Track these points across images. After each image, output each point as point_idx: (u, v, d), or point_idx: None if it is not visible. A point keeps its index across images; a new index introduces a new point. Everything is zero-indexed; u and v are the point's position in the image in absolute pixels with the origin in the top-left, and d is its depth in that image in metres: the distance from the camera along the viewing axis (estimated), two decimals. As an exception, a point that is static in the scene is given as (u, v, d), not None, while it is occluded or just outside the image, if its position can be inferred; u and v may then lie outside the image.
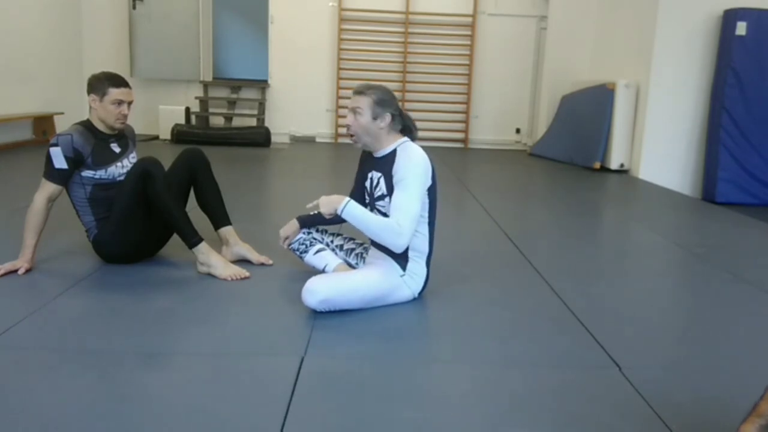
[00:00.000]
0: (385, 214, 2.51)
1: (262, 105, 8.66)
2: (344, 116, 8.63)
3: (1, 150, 6.59)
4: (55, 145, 2.71)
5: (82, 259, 2.95)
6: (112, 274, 2.80)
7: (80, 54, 8.39)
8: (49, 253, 3.00)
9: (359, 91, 2.49)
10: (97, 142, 2.81)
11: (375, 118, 2.47)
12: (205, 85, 8.71)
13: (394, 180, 2.44)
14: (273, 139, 8.32)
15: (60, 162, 2.71)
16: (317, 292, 2.34)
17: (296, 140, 8.89)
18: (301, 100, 8.82)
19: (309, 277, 2.43)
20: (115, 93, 2.77)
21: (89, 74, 2.86)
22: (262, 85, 8.80)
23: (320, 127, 8.95)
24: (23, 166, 5.74)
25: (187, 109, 8.33)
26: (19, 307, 2.35)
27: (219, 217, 3.04)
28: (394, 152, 2.51)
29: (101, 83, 2.78)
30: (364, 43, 8.71)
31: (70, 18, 8.19)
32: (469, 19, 8.72)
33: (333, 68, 8.77)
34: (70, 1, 8.18)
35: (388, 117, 2.48)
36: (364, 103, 2.46)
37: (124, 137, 2.96)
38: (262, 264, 2.98)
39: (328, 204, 2.42)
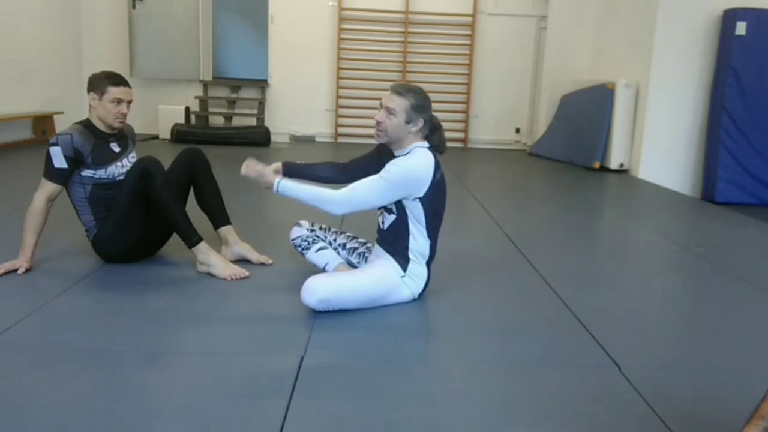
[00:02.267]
0: (389, 210, 2.52)
1: (261, 104, 8.66)
2: (344, 116, 8.71)
3: (1, 149, 6.58)
4: (55, 144, 2.70)
5: (82, 259, 2.95)
6: (112, 274, 2.80)
7: (80, 53, 8.39)
8: (49, 253, 3.00)
9: (398, 92, 2.43)
10: (97, 141, 2.80)
11: (408, 122, 2.43)
12: (205, 85, 8.70)
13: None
14: (273, 138, 8.32)
15: (60, 161, 2.70)
16: (316, 291, 2.34)
17: (296, 140, 8.89)
18: (300, 99, 8.81)
19: (309, 276, 2.42)
20: (114, 92, 2.77)
21: (89, 74, 2.86)
22: (261, 84, 8.80)
23: (320, 127, 8.95)
24: (23, 166, 5.73)
25: (187, 109, 8.32)
26: (19, 307, 2.35)
27: (219, 217, 3.04)
28: (407, 154, 2.50)
29: (101, 82, 2.78)
30: (363, 42, 8.70)
31: (70, 17, 8.19)
32: (469, 19, 8.71)
33: (333, 68, 8.77)
34: (70, 1, 8.17)
35: (420, 122, 2.45)
36: (401, 105, 2.41)
37: (124, 137, 2.96)
38: (262, 263, 2.98)
39: (259, 174, 2.46)
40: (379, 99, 2.56)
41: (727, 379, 2.05)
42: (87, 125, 2.82)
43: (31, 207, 2.73)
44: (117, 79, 2.79)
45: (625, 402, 1.86)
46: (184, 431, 1.61)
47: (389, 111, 2.42)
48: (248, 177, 2.51)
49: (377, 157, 2.68)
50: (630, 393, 1.91)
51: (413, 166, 2.42)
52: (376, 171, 2.49)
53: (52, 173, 2.73)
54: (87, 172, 2.78)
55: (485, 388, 1.93)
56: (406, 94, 2.42)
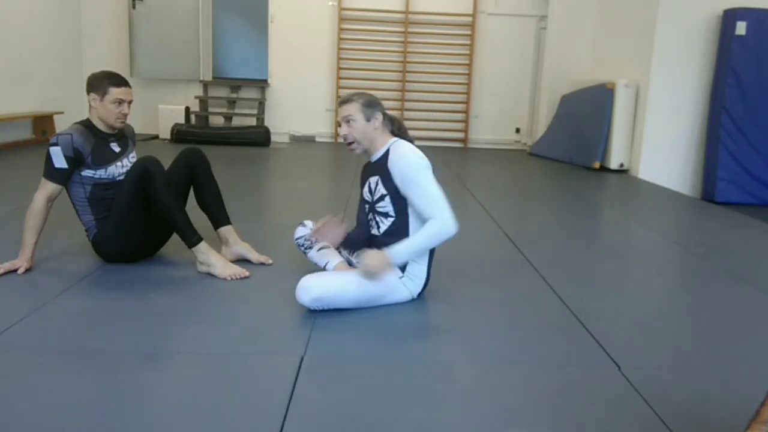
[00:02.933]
0: (385, 214, 2.53)
1: (261, 104, 8.65)
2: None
3: (1, 149, 6.58)
4: (55, 144, 2.70)
5: (82, 259, 2.95)
6: (112, 274, 2.80)
7: (80, 53, 8.39)
8: (48, 253, 3.00)
9: (346, 100, 2.53)
10: (97, 141, 2.80)
11: (368, 119, 2.51)
12: (205, 85, 8.70)
13: (400, 182, 2.46)
14: (273, 138, 8.31)
15: (60, 161, 2.70)
16: (310, 289, 2.34)
17: (296, 140, 8.89)
18: (300, 99, 8.81)
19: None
20: (115, 92, 2.77)
21: (89, 74, 2.86)
22: (261, 84, 8.80)
23: (320, 127, 8.95)
24: (23, 166, 5.73)
25: (187, 109, 8.32)
26: (19, 307, 2.35)
27: (219, 217, 3.04)
28: (386, 153, 2.54)
29: (101, 82, 2.78)
30: (363, 42, 8.70)
31: (70, 17, 8.19)
32: (469, 19, 8.71)
33: (333, 68, 8.77)
34: (70, 1, 8.17)
35: (379, 115, 2.53)
36: (354, 108, 2.51)
37: (124, 137, 2.96)
38: (262, 263, 2.98)
39: (379, 268, 2.38)
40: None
41: (727, 380, 2.05)
42: (87, 125, 2.82)
43: (31, 207, 2.73)
44: (118, 80, 2.79)
45: (625, 402, 1.85)
46: (184, 431, 1.61)
47: (348, 120, 2.51)
48: (373, 274, 2.41)
49: (362, 184, 2.69)
50: (630, 393, 1.91)
51: (409, 153, 2.48)
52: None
53: (52, 173, 2.73)
54: (87, 172, 2.78)
55: (485, 388, 1.93)
56: (353, 98, 2.53)
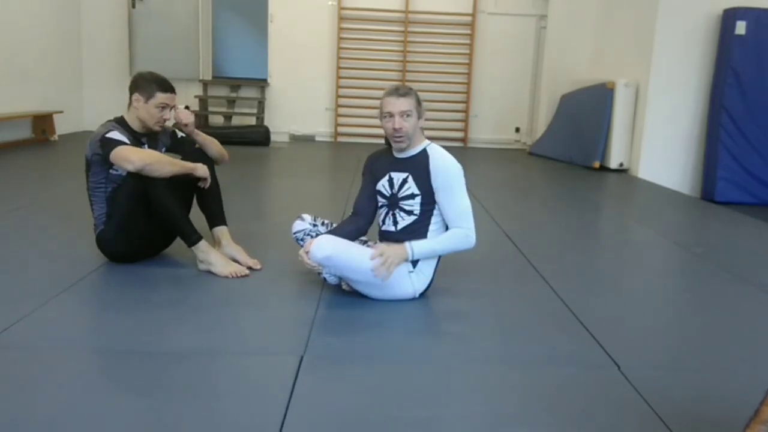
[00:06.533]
0: (409, 212, 2.54)
1: (261, 104, 8.65)
2: (343, 115, 8.70)
3: (1, 149, 6.57)
4: (111, 131, 2.71)
5: (83, 259, 2.94)
6: (113, 273, 2.80)
7: (80, 53, 8.37)
8: (49, 253, 3.00)
9: (402, 94, 2.49)
10: (131, 141, 2.79)
11: (420, 116, 2.53)
12: (205, 84, 8.70)
13: (437, 185, 2.49)
14: (272, 138, 8.31)
15: (122, 138, 2.71)
16: (323, 247, 2.35)
17: (296, 139, 8.88)
18: (300, 98, 8.80)
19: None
20: (161, 97, 2.79)
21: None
22: (261, 83, 8.79)
23: (320, 126, 8.94)
24: (23, 166, 5.73)
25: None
26: (19, 307, 2.35)
27: (215, 217, 3.03)
28: (423, 153, 2.55)
29: (149, 85, 2.78)
30: (363, 42, 8.70)
31: (70, 17, 8.18)
32: (469, 18, 8.71)
33: (332, 67, 8.76)
34: (70, 1, 8.16)
35: (424, 114, 2.55)
36: (411, 104, 2.48)
37: (155, 138, 2.96)
38: (250, 268, 2.91)
39: (396, 258, 2.42)
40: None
41: (727, 379, 2.05)
42: (122, 123, 2.82)
43: (152, 160, 2.67)
44: (165, 85, 2.82)
45: (625, 402, 1.86)
46: (183, 430, 1.61)
47: (405, 114, 2.47)
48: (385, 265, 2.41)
49: (371, 175, 2.69)
50: (630, 393, 1.91)
51: (450, 160, 2.53)
52: (374, 189, 2.60)
53: (122, 143, 2.70)
54: (116, 171, 2.77)
55: (485, 388, 1.93)
56: (410, 93, 2.50)
